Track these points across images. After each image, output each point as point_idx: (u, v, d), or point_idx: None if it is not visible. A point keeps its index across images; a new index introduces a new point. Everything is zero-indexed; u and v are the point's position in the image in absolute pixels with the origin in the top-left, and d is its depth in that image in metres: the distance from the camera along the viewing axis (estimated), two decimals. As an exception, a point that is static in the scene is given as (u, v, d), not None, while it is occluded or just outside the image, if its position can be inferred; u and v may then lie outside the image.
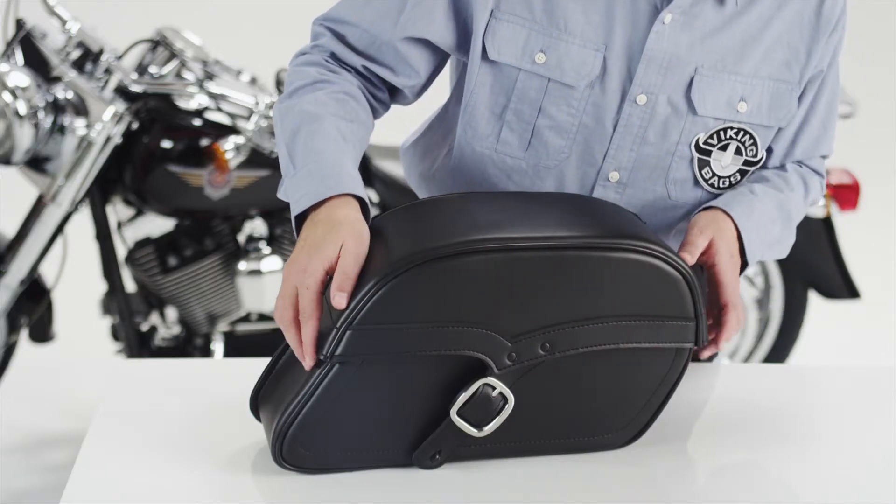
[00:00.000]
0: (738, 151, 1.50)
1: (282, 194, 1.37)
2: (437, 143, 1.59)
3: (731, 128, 1.48)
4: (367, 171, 2.75)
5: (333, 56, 1.45)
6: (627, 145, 1.46)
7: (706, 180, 1.51)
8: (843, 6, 1.50)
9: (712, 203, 1.49)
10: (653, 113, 1.45)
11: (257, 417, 1.34)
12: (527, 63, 1.42)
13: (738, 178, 1.52)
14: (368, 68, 1.45)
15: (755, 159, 1.52)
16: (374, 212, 1.64)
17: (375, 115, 1.48)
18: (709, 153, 1.49)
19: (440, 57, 1.48)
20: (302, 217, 1.30)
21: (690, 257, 1.39)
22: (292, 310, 1.24)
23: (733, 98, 1.46)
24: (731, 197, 1.50)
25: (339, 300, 1.20)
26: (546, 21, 1.40)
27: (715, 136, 1.48)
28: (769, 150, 1.55)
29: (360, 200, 1.30)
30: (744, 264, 1.49)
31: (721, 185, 1.52)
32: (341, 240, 1.22)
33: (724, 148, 1.49)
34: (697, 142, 1.48)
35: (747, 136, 1.49)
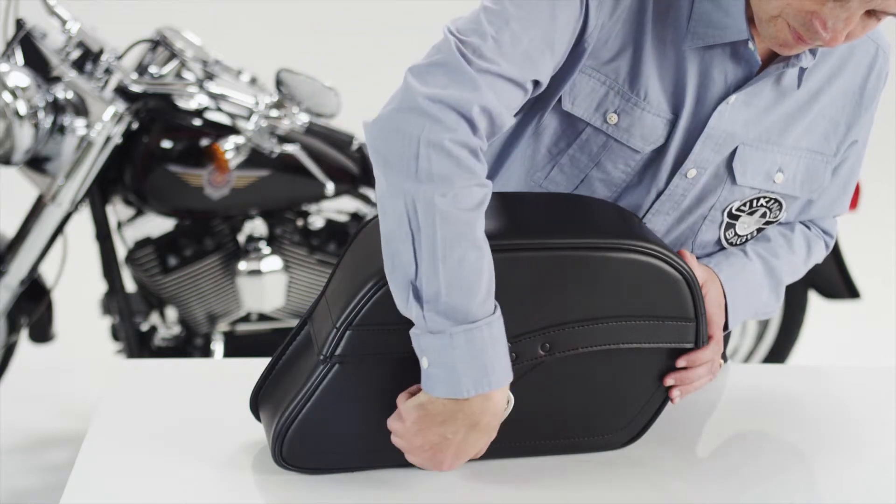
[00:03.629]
0: (763, 215, 1.49)
1: (414, 315, 1.20)
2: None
3: (765, 197, 1.47)
4: (369, 172, 2.75)
5: (486, 115, 1.23)
6: (665, 210, 1.44)
7: (727, 240, 1.50)
8: (884, 80, 1.48)
9: (703, 261, 1.48)
10: (696, 183, 1.43)
11: (257, 417, 1.34)
12: (598, 120, 1.39)
13: (755, 234, 1.52)
14: (506, 126, 1.29)
15: (776, 220, 1.51)
16: (375, 212, 1.61)
17: None
18: (738, 218, 1.48)
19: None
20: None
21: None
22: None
23: (772, 169, 1.44)
24: (723, 257, 1.49)
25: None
26: (628, 86, 1.37)
27: (748, 204, 1.47)
28: None
29: None
30: (724, 326, 1.46)
31: (738, 242, 1.51)
32: (487, 443, 1.26)
33: (752, 213, 1.48)
34: (731, 209, 1.47)
35: (776, 204, 1.48)
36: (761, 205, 1.47)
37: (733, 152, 1.42)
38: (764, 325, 3.20)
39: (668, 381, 1.36)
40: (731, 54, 1.37)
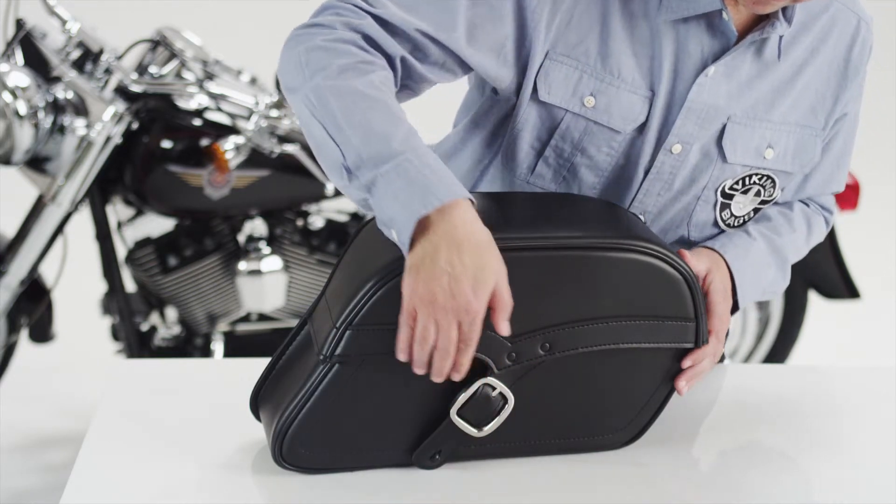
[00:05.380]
0: (757, 193, 1.50)
1: (356, 186, 1.23)
2: (467, 167, 1.54)
3: (757, 174, 1.47)
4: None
5: (368, 39, 1.31)
6: (655, 191, 1.45)
7: (724, 221, 1.51)
8: (870, 49, 1.49)
9: (708, 243, 1.48)
10: (684, 161, 1.43)
11: (257, 417, 1.34)
12: (576, 105, 1.39)
13: (752, 215, 1.52)
14: (406, 62, 1.34)
15: (770, 199, 1.51)
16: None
17: None
18: (731, 197, 1.48)
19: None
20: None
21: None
22: (455, 342, 1.19)
23: (761, 145, 1.45)
24: (727, 238, 1.49)
25: (507, 328, 1.20)
26: (600, 65, 1.38)
27: (740, 182, 1.47)
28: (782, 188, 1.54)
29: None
30: (734, 306, 1.47)
31: (735, 224, 1.52)
32: (496, 277, 1.18)
33: (746, 192, 1.49)
34: (724, 188, 1.47)
35: (769, 181, 1.49)
36: (754, 182, 1.48)
37: (722, 130, 1.43)
38: (764, 325, 3.20)
39: (680, 382, 1.36)
40: (707, 26, 1.38)
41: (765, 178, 1.48)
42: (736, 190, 1.48)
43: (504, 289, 1.19)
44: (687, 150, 1.42)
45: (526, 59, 1.38)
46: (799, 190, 1.57)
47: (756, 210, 1.52)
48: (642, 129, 1.41)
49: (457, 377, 1.21)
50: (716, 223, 1.51)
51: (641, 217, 1.48)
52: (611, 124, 1.40)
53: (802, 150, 1.48)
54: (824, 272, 3.06)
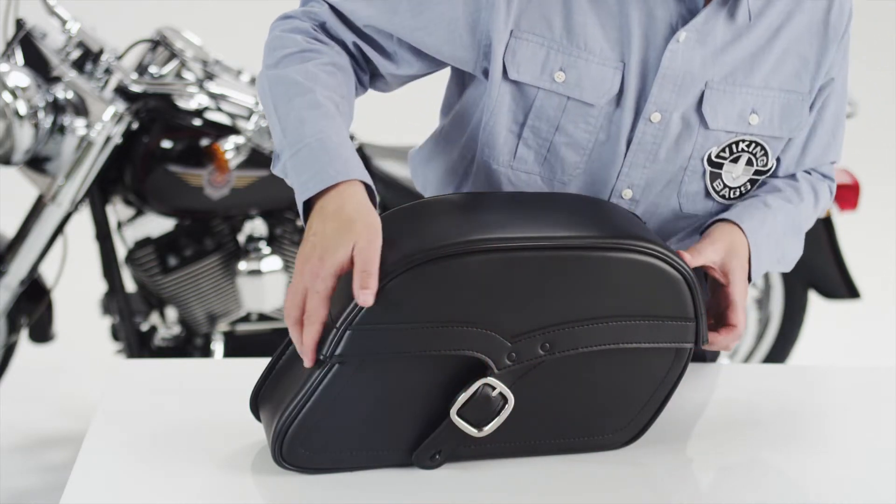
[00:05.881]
0: (748, 162, 1.49)
1: (278, 170, 1.35)
2: (450, 165, 1.57)
3: (743, 140, 1.47)
4: (368, 171, 2.75)
5: (323, 27, 1.41)
6: (640, 163, 1.45)
7: (717, 192, 1.50)
8: (849, 13, 1.49)
9: (725, 215, 1.48)
10: (666, 130, 1.44)
11: (257, 417, 1.34)
12: (546, 82, 1.40)
13: (749, 187, 1.52)
14: (360, 48, 1.42)
15: (765, 168, 1.51)
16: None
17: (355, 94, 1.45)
18: (720, 166, 1.48)
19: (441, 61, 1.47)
20: (308, 200, 1.28)
21: (692, 260, 1.38)
22: (299, 309, 1.22)
23: (745, 111, 1.45)
24: (743, 209, 1.49)
25: (366, 298, 1.18)
26: (566, 39, 1.39)
27: (727, 150, 1.47)
28: (779, 160, 1.54)
29: (367, 185, 1.27)
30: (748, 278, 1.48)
31: (731, 196, 1.52)
32: (353, 240, 1.19)
33: (735, 160, 1.49)
34: (710, 156, 1.47)
35: (759, 148, 1.49)
36: (742, 150, 1.48)
37: (701, 97, 1.43)
38: (764, 325, 3.20)
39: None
40: None
41: (752, 144, 1.48)
42: (724, 158, 1.48)
43: (365, 254, 1.19)
44: (667, 119, 1.43)
45: (487, 40, 1.40)
46: (798, 162, 1.57)
47: (752, 182, 1.52)
48: (619, 101, 1.42)
49: (306, 361, 1.22)
50: (708, 195, 1.51)
51: (630, 190, 1.48)
52: (583, 98, 1.41)
53: (790, 115, 1.49)
54: (824, 272, 3.07)
